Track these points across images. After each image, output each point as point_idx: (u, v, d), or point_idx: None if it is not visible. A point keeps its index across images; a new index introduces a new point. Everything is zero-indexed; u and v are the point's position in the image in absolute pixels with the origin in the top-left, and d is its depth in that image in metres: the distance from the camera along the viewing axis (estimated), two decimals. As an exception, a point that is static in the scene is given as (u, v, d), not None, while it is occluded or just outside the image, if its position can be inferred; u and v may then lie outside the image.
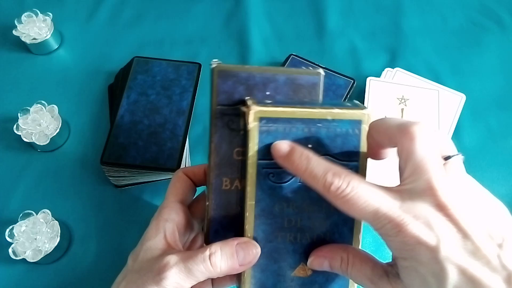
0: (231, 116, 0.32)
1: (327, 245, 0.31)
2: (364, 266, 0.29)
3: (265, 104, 0.29)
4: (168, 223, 0.33)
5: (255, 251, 0.30)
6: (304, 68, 0.33)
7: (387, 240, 0.26)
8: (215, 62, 0.31)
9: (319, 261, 0.31)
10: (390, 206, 0.25)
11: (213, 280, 0.36)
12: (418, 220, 0.24)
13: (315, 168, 0.27)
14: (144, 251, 0.32)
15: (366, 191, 0.25)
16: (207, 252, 0.29)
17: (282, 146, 0.29)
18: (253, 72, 0.32)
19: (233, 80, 0.32)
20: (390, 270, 0.28)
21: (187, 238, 0.37)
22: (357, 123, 0.30)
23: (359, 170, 0.30)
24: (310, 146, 0.30)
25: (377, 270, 0.29)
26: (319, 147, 0.30)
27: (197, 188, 0.37)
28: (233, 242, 0.30)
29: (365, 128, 0.30)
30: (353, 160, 0.30)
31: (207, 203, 0.32)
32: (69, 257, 0.46)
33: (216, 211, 0.32)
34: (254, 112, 0.29)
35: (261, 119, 0.29)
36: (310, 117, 0.29)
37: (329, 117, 0.29)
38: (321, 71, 0.32)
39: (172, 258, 0.30)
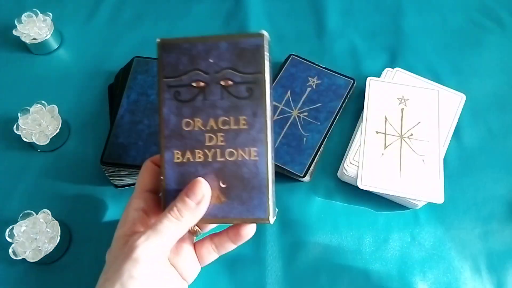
0: (177, 88, 0.33)
1: None
2: None
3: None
4: (137, 212, 0.34)
5: (201, 184, 0.32)
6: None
7: None
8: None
9: None
10: None
11: (216, 245, 0.37)
12: None
13: None
14: (115, 241, 0.33)
15: None
16: (166, 211, 0.32)
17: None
18: (195, 42, 0.33)
19: (177, 52, 0.33)
20: None
21: None
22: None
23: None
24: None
25: None
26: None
27: None
28: (183, 190, 0.32)
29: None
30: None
31: (162, 177, 0.33)
32: (69, 257, 0.47)
33: (171, 185, 0.33)
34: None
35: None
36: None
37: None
38: (265, 32, 0.33)
39: (137, 234, 0.31)
